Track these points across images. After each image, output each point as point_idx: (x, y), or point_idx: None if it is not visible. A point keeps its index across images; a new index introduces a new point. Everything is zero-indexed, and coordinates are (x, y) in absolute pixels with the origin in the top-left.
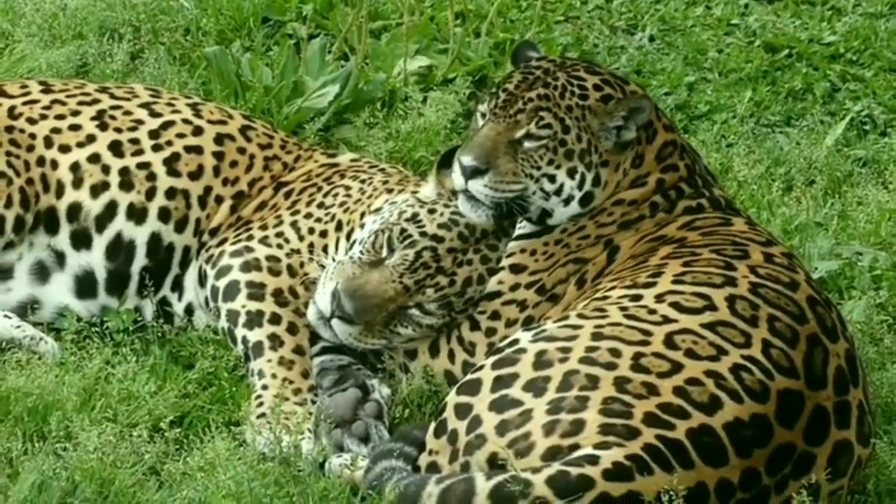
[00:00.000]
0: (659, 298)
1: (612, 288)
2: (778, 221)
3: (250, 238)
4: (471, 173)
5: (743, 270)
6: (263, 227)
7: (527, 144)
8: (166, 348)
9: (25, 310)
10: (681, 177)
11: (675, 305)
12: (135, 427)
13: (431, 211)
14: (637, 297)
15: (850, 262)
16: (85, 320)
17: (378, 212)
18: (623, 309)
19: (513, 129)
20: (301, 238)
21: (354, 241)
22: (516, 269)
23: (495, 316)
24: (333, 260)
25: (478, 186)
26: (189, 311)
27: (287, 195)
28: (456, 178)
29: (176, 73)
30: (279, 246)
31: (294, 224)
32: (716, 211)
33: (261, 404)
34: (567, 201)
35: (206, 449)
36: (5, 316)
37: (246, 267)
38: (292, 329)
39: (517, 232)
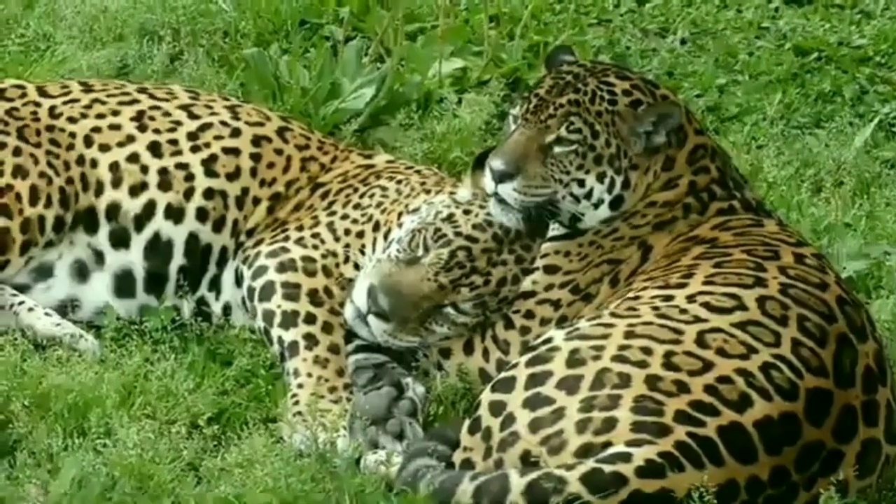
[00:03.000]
0: (690, 298)
1: (645, 288)
2: (807, 222)
3: (286, 239)
4: (500, 177)
5: (773, 271)
6: (299, 228)
7: (557, 149)
8: (204, 346)
9: (65, 309)
10: (712, 179)
11: (707, 305)
12: (173, 424)
13: (467, 212)
14: (669, 297)
15: (879, 262)
16: (124, 319)
17: (416, 212)
18: (655, 308)
19: (543, 133)
20: (337, 239)
21: (392, 241)
22: (550, 269)
23: (529, 315)
24: (370, 259)
25: (507, 190)
26: (226, 310)
27: (323, 196)
28: (486, 182)
29: (215, 75)
30: (315, 247)
31: (330, 225)
32: (747, 212)
33: (297, 402)
34: (597, 205)
35: (243, 445)
36: (46, 314)
37: (281, 267)
38: (327, 328)
39: (551, 233)
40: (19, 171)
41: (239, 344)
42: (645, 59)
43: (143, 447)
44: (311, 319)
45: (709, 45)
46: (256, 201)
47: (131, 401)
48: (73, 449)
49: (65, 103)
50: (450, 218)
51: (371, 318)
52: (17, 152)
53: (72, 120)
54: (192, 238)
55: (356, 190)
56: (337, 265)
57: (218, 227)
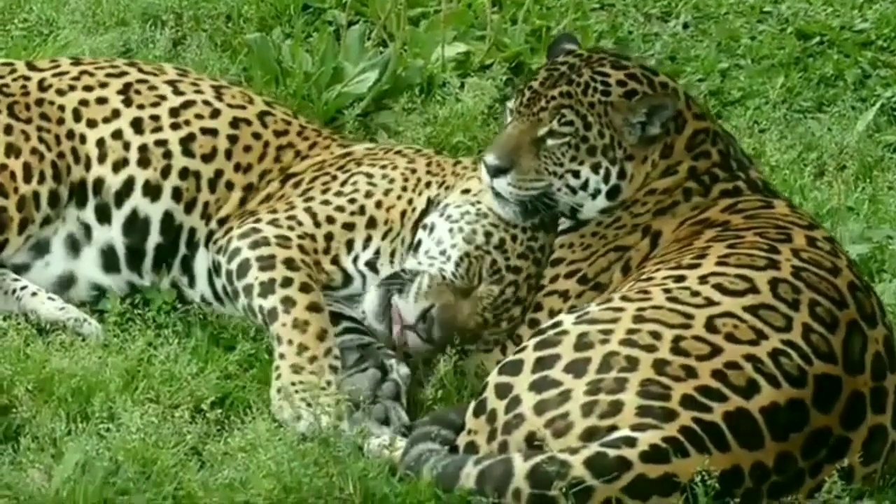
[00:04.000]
0: (702, 280)
1: (657, 270)
2: (810, 206)
3: (258, 221)
4: (494, 172)
5: (786, 254)
6: (272, 212)
7: (549, 142)
8: (208, 330)
9: (63, 285)
10: (714, 163)
11: (718, 287)
12: (177, 408)
13: (514, 238)
14: (681, 278)
15: (881, 246)
16: (127, 302)
17: (446, 215)
18: (666, 291)
19: (535, 127)
20: (317, 224)
21: (418, 242)
22: (555, 261)
23: (537, 307)
24: (368, 262)
25: (502, 185)
26: (205, 301)
27: (296, 185)
28: (483, 177)
29: (217, 60)
30: (290, 227)
31: (308, 209)
32: (755, 193)
33: (279, 376)
34: (594, 196)
35: (246, 430)
36: (49, 298)
37: (254, 245)
38: (305, 288)
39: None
40: (12, 150)
41: (243, 328)
42: (647, 44)
43: (146, 431)
44: (287, 283)
45: (711, 29)
46: (230, 186)
47: (135, 385)
48: (76, 433)
49: (54, 76)
50: (501, 245)
51: (413, 335)
52: (8, 130)
53: (60, 92)
54: (168, 217)
55: (335, 178)
56: (315, 250)
57: (189, 207)
